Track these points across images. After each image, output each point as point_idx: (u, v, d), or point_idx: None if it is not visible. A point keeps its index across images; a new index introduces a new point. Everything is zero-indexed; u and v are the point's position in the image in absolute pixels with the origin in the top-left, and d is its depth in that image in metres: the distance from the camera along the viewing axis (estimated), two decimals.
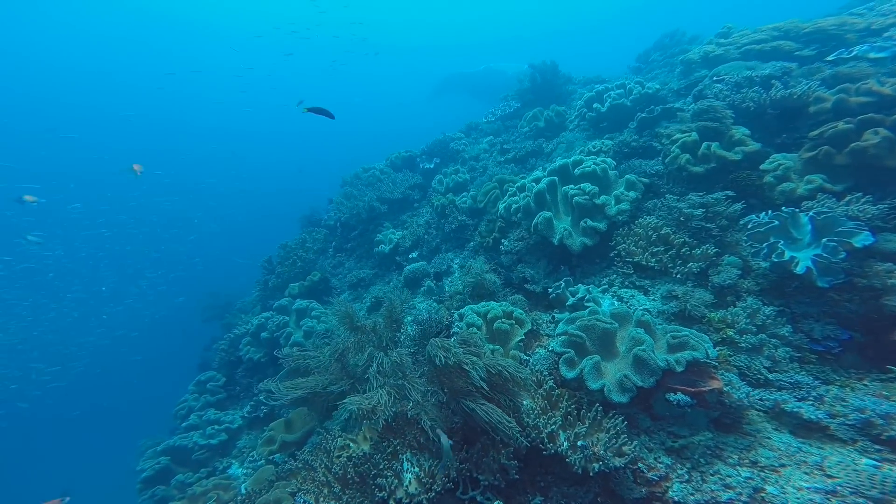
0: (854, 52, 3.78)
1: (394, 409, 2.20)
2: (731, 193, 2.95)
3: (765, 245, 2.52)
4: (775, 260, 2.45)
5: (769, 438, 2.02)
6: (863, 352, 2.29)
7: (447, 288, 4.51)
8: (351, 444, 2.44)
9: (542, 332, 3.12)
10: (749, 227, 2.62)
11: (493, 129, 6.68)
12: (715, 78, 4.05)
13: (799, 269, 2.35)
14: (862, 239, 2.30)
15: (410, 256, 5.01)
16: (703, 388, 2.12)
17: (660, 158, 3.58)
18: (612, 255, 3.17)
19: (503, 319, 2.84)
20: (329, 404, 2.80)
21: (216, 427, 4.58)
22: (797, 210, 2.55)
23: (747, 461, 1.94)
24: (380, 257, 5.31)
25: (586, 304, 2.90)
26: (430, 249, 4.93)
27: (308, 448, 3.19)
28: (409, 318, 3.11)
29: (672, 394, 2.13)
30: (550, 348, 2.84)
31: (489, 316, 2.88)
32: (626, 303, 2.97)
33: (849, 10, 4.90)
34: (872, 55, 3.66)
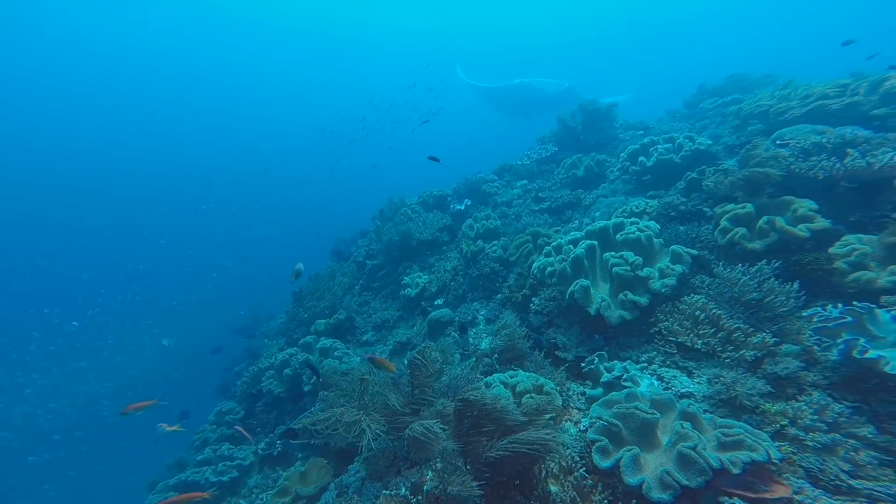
0: None
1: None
2: (776, 264, 2.77)
3: (840, 341, 2.33)
4: (857, 357, 2.26)
5: None
6: None
7: (471, 340, 4.50)
8: None
9: (572, 405, 3.01)
10: (815, 320, 2.44)
11: (528, 173, 6.80)
12: (778, 142, 3.93)
13: (891, 370, 2.15)
14: None
15: (436, 303, 5.07)
16: (766, 495, 1.94)
17: (710, 227, 3.47)
18: (652, 331, 3.05)
19: (532, 394, 2.78)
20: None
21: (228, 464, 4.71)
22: (875, 307, 2.36)
23: None
24: (405, 300, 5.43)
25: (623, 384, 2.78)
26: (456, 297, 4.97)
27: None
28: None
29: (727, 498, 1.97)
30: (583, 428, 2.74)
31: (518, 389, 2.83)
32: (667, 384, 2.81)
33: None
34: None
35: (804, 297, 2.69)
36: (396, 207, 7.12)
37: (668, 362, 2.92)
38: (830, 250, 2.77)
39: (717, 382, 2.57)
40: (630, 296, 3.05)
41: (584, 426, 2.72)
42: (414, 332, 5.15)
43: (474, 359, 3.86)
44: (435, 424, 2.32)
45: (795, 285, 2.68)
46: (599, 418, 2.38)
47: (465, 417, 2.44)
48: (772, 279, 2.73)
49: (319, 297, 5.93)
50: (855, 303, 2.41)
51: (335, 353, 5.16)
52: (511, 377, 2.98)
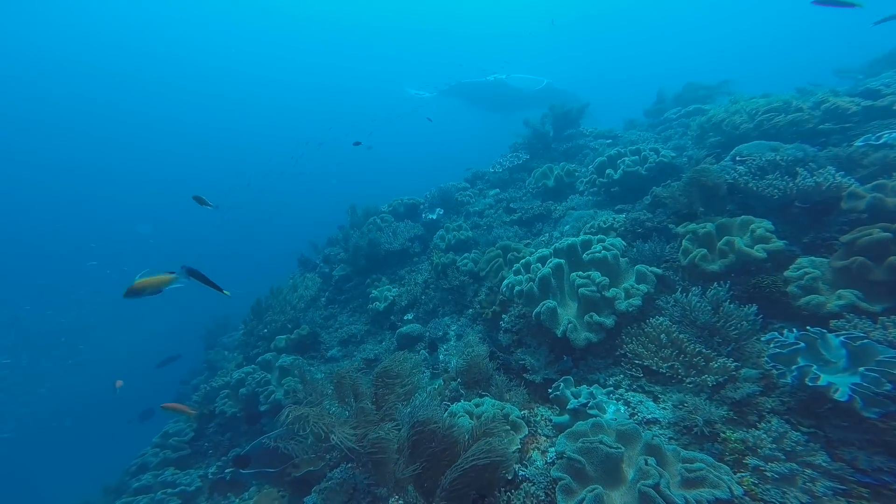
0: (883, 139, 3.73)
1: None
2: (727, 286, 2.80)
3: (794, 368, 2.35)
4: (809, 384, 2.28)
5: None
6: None
7: (442, 357, 4.35)
8: None
9: (540, 431, 2.92)
10: (772, 346, 2.45)
11: (500, 181, 6.72)
12: (738, 158, 4.01)
13: (840, 397, 2.18)
14: None
15: (405, 318, 4.87)
16: None
17: (675, 245, 3.48)
18: (618, 353, 3.01)
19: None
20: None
21: (169, 491, 4.33)
22: (826, 331, 2.40)
23: None
24: (373, 314, 5.20)
25: (589, 411, 2.71)
26: (427, 312, 4.80)
27: None
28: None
29: None
30: (549, 459, 2.65)
31: (483, 419, 2.70)
32: (634, 409, 2.77)
33: (864, 85, 4.92)
34: None
35: (761, 319, 2.72)
36: (367, 214, 6.84)
37: (634, 386, 2.88)
38: (786, 273, 2.81)
39: (681, 408, 2.55)
40: (596, 317, 3.00)
41: (550, 456, 2.64)
42: (382, 348, 4.94)
43: (441, 380, 3.71)
44: (388, 426, 2.43)
45: (753, 308, 2.70)
46: (563, 454, 2.29)
47: (421, 445, 2.34)
48: (727, 302, 2.74)
49: (280, 310, 5.58)
50: (808, 328, 2.44)
51: (296, 372, 4.86)
52: (476, 406, 2.85)
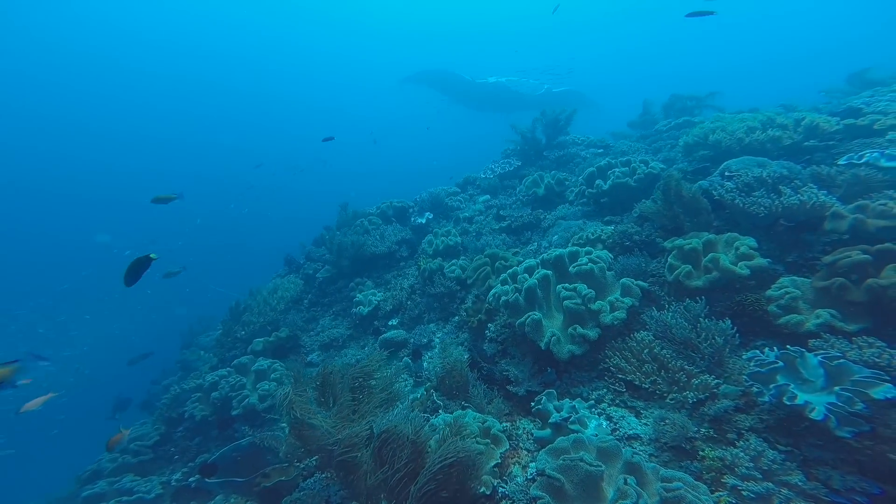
0: (865, 159, 3.85)
1: None
2: (703, 300, 2.85)
3: (772, 386, 2.38)
4: (787, 403, 2.32)
5: None
6: None
7: (426, 365, 4.30)
8: None
9: (521, 445, 2.90)
10: (752, 364, 2.49)
11: (490, 187, 6.73)
12: (727, 173, 4.07)
13: (815, 416, 2.22)
14: (883, 391, 2.19)
15: (390, 323, 4.81)
16: None
17: (662, 260, 3.52)
18: (602, 367, 3.01)
19: (479, 438, 2.62)
20: None
21: (125, 499, 4.16)
22: (805, 351, 2.44)
23: None
24: (357, 318, 5.12)
25: (571, 426, 2.70)
26: (412, 318, 4.75)
27: None
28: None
29: None
30: (529, 475, 2.63)
31: (452, 424, 2.66)
32: (616, 424, 2.78)
33: (846, 103, 5.10)
34: (884, 163, 3.73)
35: (741, 336, 2.75)
36: (356, 216, 6.76)
37: (617, 401, 2.89)
38: (767, 293, 2.86)
39: (662, 424, 2.56)
40: (580, 329, 3.00)
41: (531, 472, 2.62)
42: (364, 354, 4.86)
43: (424, 390, 3.66)
44: (363, 423, 2.45)
45: (728, 323, 2.74)
46: (543, 472, 2.27)
47: (389, 449, 2.32)
48: (703, 318, 2.78)
49: (259, 312, 5.45)
50: (788, 347, 2.48)
51: (273, 375, 4.74)
52: (458, 421, 2.81)
